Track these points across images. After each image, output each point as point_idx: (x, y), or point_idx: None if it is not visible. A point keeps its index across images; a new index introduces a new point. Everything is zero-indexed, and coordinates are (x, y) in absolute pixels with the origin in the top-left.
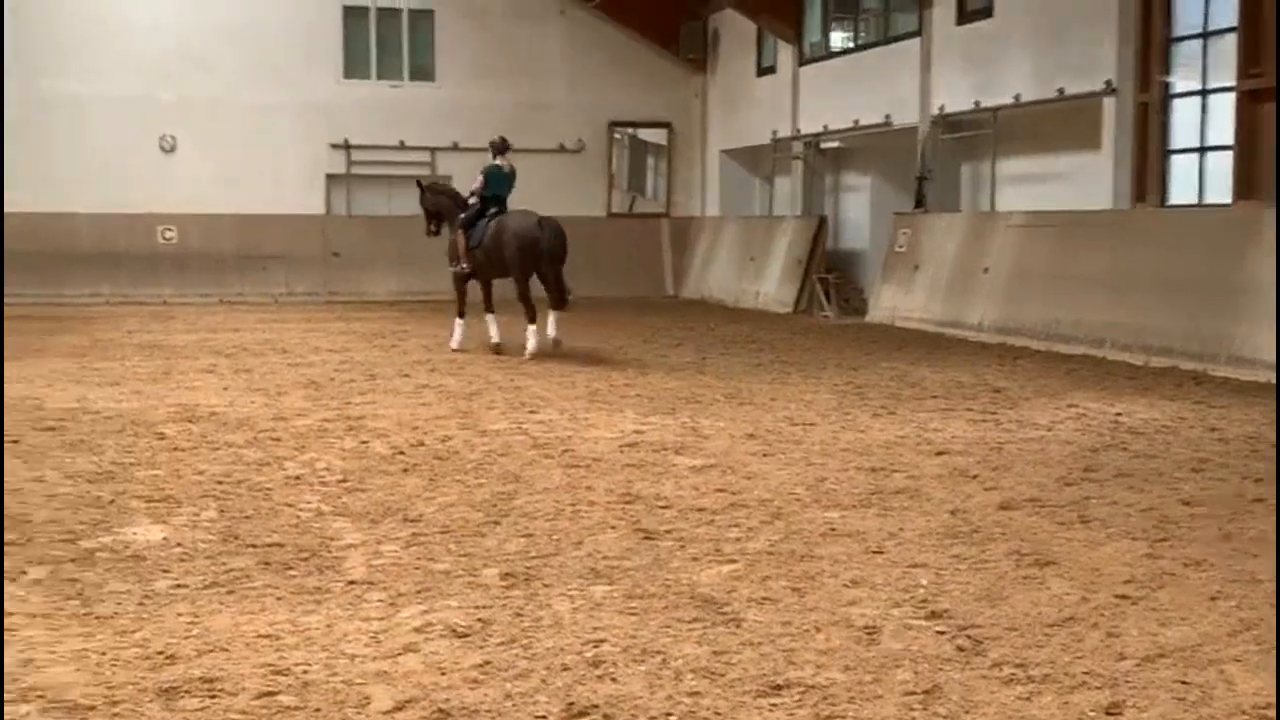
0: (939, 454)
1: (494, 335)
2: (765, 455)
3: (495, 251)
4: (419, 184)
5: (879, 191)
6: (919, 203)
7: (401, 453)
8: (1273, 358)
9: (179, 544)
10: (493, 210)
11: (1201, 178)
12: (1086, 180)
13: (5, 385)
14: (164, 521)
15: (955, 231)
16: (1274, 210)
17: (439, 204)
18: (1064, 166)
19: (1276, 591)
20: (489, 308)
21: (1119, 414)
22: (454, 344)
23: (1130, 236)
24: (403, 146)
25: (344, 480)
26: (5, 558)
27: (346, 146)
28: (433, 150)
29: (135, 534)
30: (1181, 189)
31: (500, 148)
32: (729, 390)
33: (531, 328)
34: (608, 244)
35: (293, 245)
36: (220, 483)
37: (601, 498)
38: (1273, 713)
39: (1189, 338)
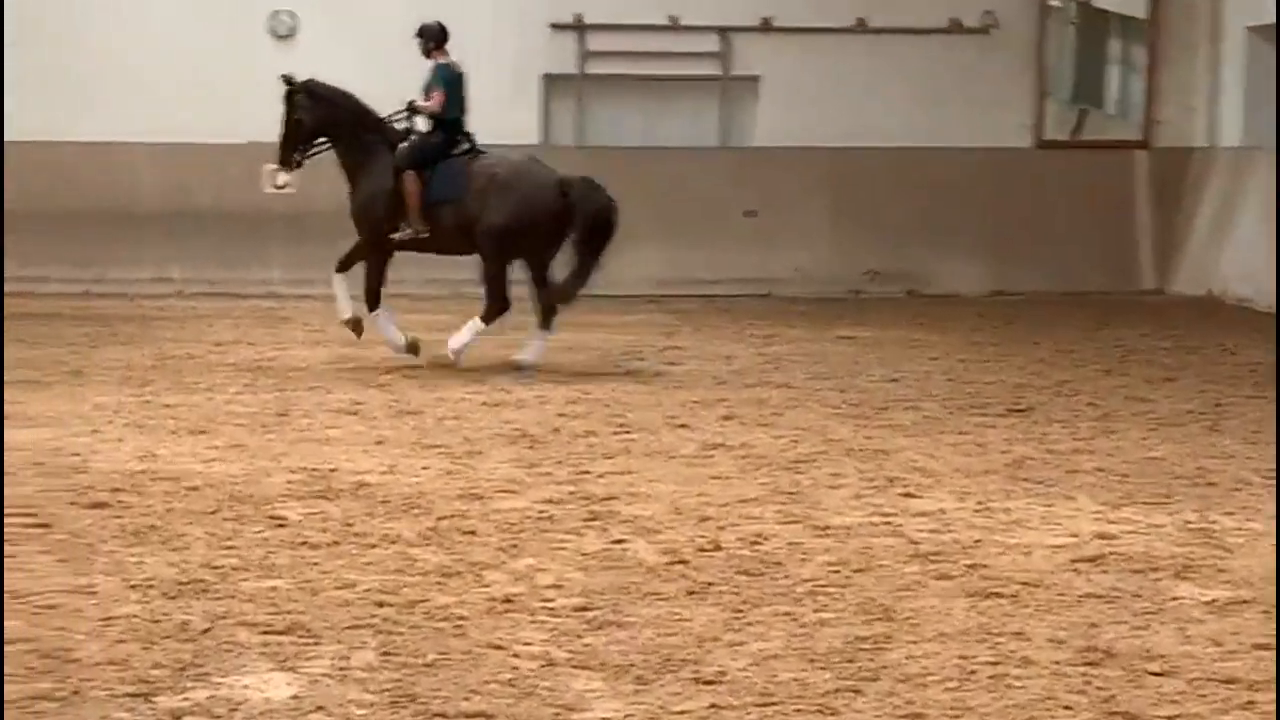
0: None
1: (394, 336)
2: None
3: (489, 216)
4: (287, 83)
5: None
6: None
7: (682, 561)
8: None
9: (319, 707)
10: (465, 146)
11: None
12: None
13: (26, 428)
14: (291, 668)
15: None
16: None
17: (327, 118)
18: None
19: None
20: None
21: None
22: (394, 346)
23: None
24: (676, 26)
25: (585, 607)
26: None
27: (578, 27)
28: (723, 32)
29: (246, 688)
30: None
31: (437, 36)
32: (1268, 464)
33: (543, 333)
34: (1035, 197)
35: None
36: (381, 604)
37: (1042, 653)
38: None
39: None
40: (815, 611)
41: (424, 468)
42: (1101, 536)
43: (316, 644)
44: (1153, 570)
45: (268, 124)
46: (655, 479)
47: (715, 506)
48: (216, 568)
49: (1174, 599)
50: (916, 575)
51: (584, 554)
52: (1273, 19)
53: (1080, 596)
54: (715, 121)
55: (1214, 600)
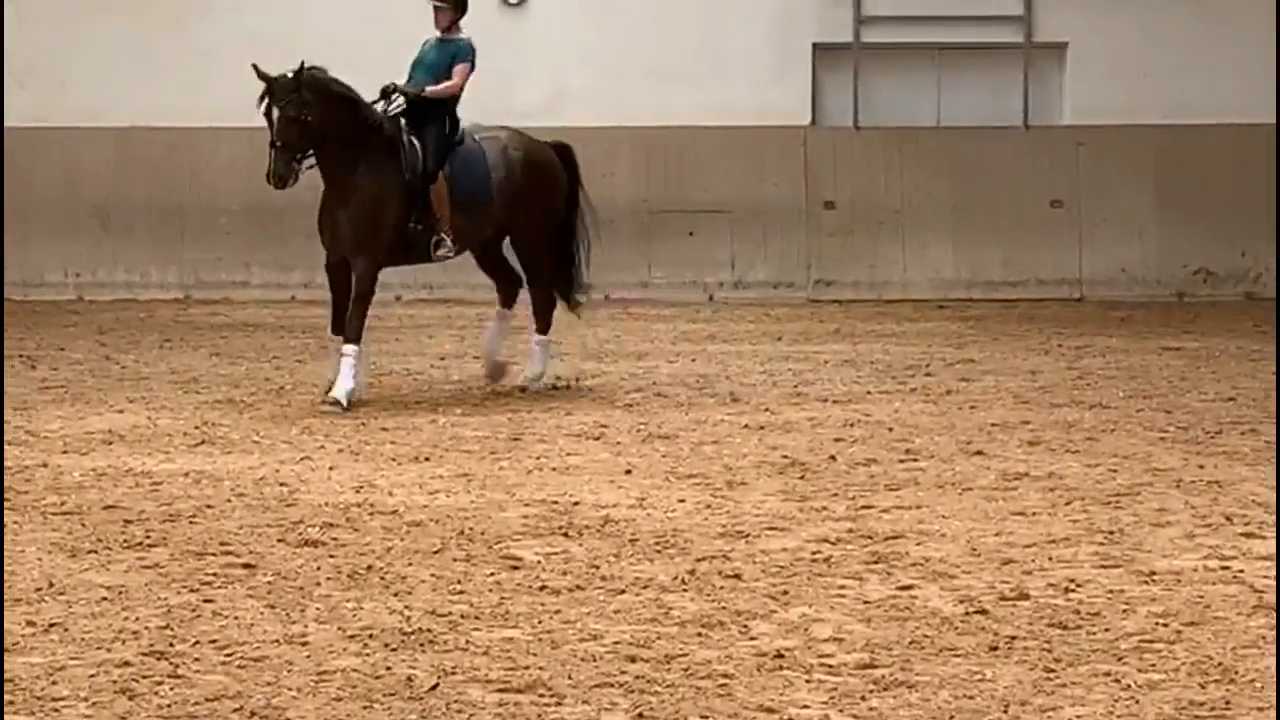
0: None
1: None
2: None
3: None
4: (263, 78)
5: None
6: None
7: (982, 611)
8: None
9: None
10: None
11: None
12: None
13: (227, 455)
14: None
15: None
16: None
17: (330, 120)
18: None
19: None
20: (508, 304)
21: None
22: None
23: None
24: None
25: (870, 665)
26: None
27: None
28: None
29: None
30: None
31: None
32: None
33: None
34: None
35: (734, 184)
36: (633, 659)
37: None
38: None
39: None
40: (1141, 672)
41: (679, 501)
42: None
43: (559, 704)
44: None
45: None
46: (948, 515)
47: (1019, 548)
48: (444, 615)
49: None
50: (1261, 629)
51: (867, 602)
52: None
53: None
54: (1017, 96)
55: None
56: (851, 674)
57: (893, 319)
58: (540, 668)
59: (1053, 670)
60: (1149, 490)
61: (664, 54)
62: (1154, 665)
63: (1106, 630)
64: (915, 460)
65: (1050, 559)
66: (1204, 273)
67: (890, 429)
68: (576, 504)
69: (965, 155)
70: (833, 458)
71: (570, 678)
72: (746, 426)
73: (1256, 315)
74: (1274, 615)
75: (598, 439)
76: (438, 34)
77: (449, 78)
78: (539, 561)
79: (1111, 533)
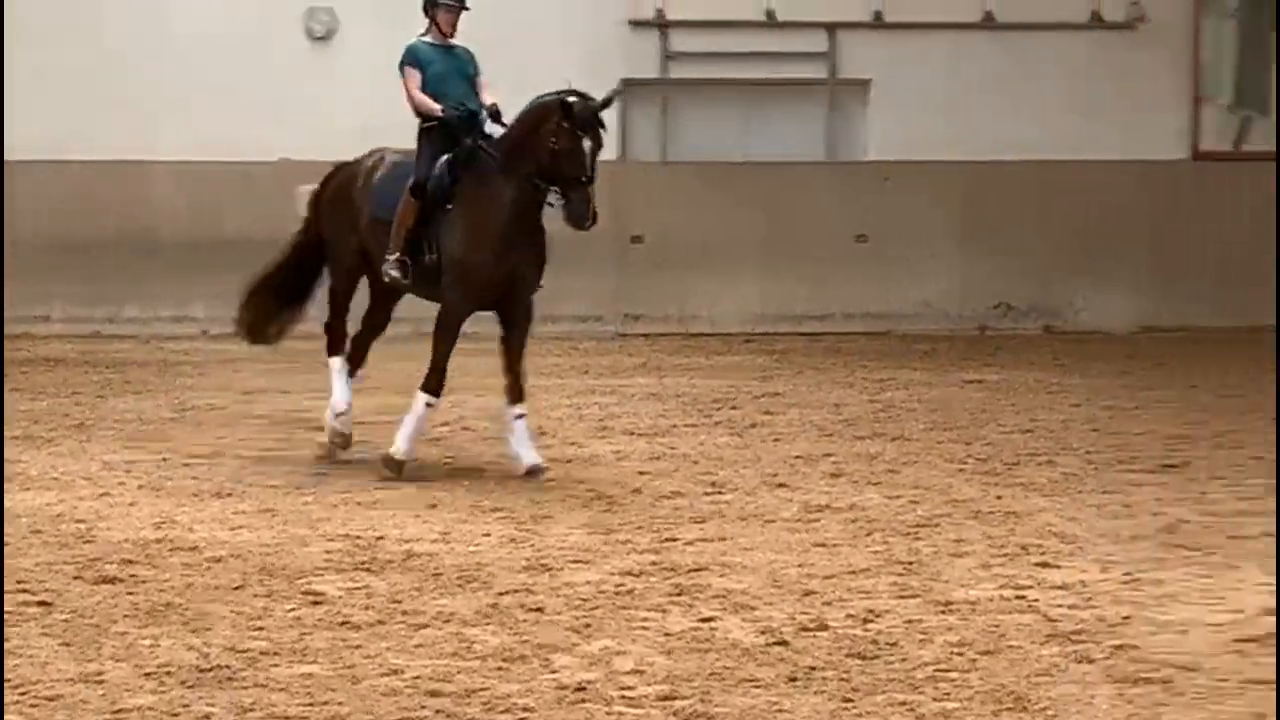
0: None
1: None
2: None
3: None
4: (578, 103)
5: None
6: None
7: (782, 642)
8: None
9: None
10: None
11: None
12: None
13: (26, 491)
14: None
15: None
16: None
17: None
18: None
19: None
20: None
21: None
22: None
23: None
24: (774, 23)
25: (670, 696)
26: None
27: (660, 24)
28: (829, 29)
29: None
30: None
31: None
32: None
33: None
34: (1192, 217)
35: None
36: (433, 694)
37: None
38: None
39: None
40: (936, 700)
41: (484, 535)
42: (1270, 612)
43: None
44: None
45: (304, 138)
46: (751, 547)
47: (820, 579)
48: (243, 652)
49: None
50: (1054, 658)
51: (668, 634)
52: None
53: (1244, 682)
54: (821, 132)
55: None
56: (652, 706)
57: (700, 353)
58: (340, 703)
59: (850, 700)
60: (948, 521)
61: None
62: (949, 694)
63: (903, 660)
64: (719, 493)
65: (850, 590)
66: (1005, 306)
67: (695, 462)
68: (380, 538)
69: (772, 190)
70: (638, 491)
71: (370, 713)
72: (553, 460)
73: (1056, 348)
74: (1067, 644)
75: (415, 478)
76: (428, 39)
77: (475, 90)
78: (340, 596)
79: (910, 563)
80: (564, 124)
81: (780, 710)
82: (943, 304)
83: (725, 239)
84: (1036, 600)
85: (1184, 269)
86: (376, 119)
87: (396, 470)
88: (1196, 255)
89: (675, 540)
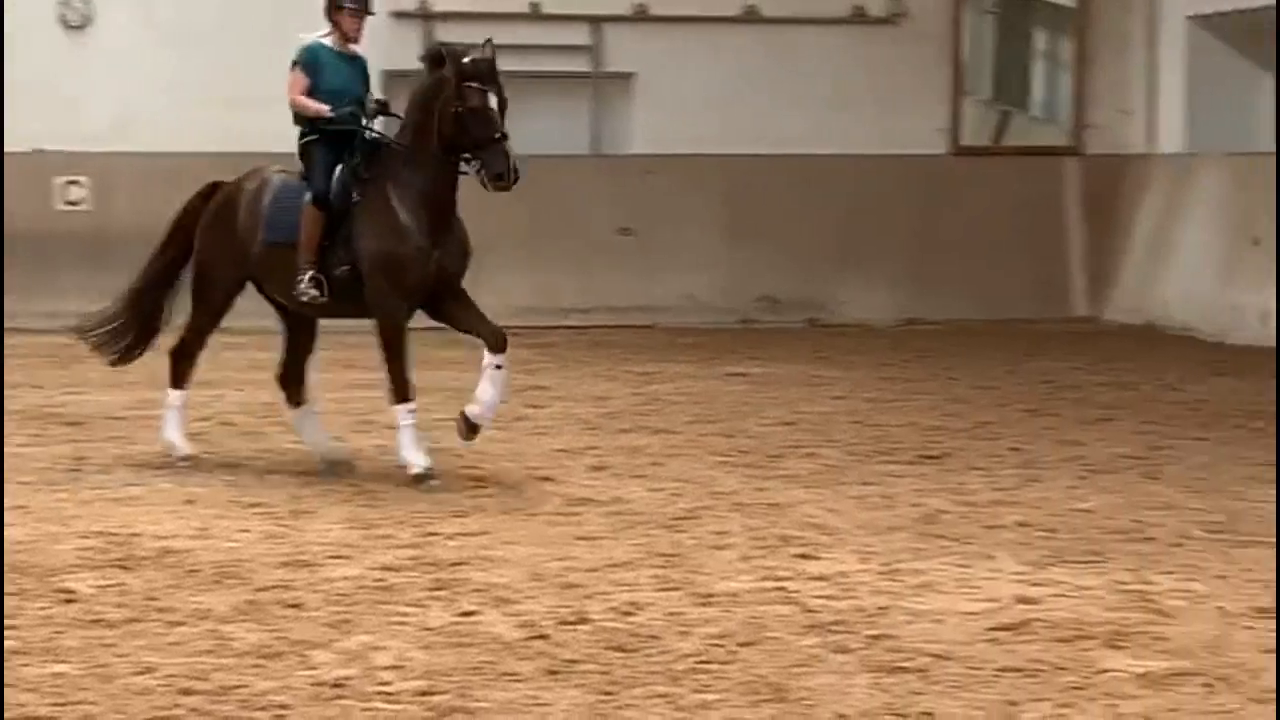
0: None
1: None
2: None
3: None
4: (451, 53)
5: None
6: None
7: (542, 636)
8: None
9: None
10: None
11: None
12: None
13: None
14: None
15: None
16: None
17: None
18: None
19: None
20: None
21: None
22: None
23: None
24: (538, 15)
25: (428, 691)
26: None
27: (423, 16)
28: (593, 22)
29: None
30: None
31: None
32: (1213, 515)
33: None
34: (952, 211)
35: None
36: (187, 691)
37: None
38: None
39: None
40: (695, 692)
41: (241, 531)
42: (1024, 601)
43: None
44: (1081, 639)
45: (59, 128)
46: (512, 540)
47: (581, 572)
48: None
49: (1104, 671)
50: (813, 648)
51: (428, 629)
52: (1216, 8)
53: (998, 670)
54: (585, 125)
55: (1148, 673)
56: (410, 701)
57: (465, 346)
58: (92, 703)
59: (610, 693)
60: (709, 513)
61: (236, 81)
62: (708, 686)
63: (663, 652)
64: (482, 487)
65: (611, 583)
66: (768, 300)
67: (458, 456)
68: (135, 535)
69: (537, 183)
70: (399, 485)
71: (122, 712)
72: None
73: (819, 341)
74: (826, 634)
75: (160, 469)
76: (328, 42)
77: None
78: (93, 594)
79: (672, 556)
80: (465, 84)
81: (539, 704)
82: (707, 297)
83: (489, 232)
84: (796, 591)
85: (944, 263)
86: (132, 109)
87: (428, 479)
88: (957, 249)
89: (436, 535)
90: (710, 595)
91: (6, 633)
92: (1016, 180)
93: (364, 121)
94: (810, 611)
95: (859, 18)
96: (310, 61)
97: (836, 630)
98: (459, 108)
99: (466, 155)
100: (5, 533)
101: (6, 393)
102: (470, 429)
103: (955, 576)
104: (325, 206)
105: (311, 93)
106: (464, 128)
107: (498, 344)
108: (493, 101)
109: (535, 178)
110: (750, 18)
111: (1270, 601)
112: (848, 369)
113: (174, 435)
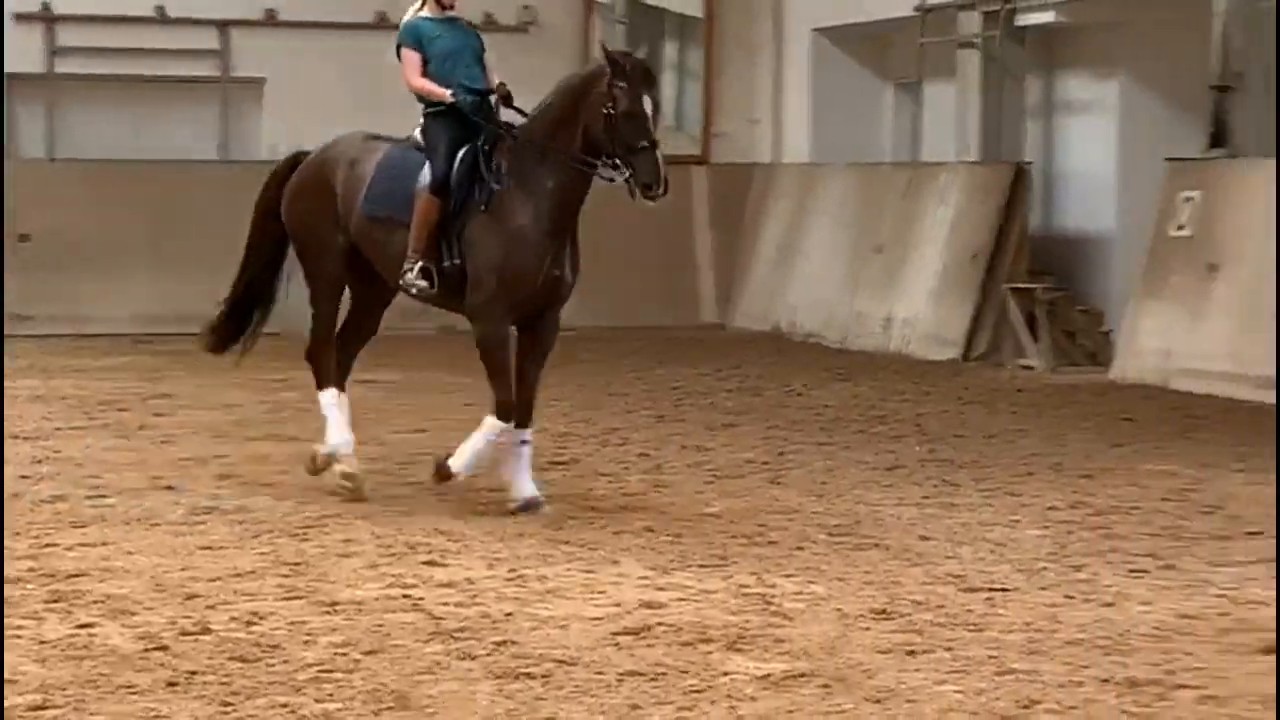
0: (1266, 651)
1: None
2: (910, 654)
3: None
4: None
5: (1135, 113)
6: (1218, 138)
7: (161, 647)
8: None
9: None
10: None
11: None
12: None
13: None
14: None
15: None
16: None
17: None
18: None
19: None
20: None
21: None
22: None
23: None
24: (165, 19)
25: (43, 706)
26: None
27: (45, 18)
28: (221, 26)
29: None
30: None
31: None
32: (834, 519)
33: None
34: (582, 220)
35: None
36: None
37: None
38: None
39: None
40: (318, 701)
41: None
42: (648, 605)
43: None
44: (703, 642)
45: None
46: (134, 551)
47: (204, 582)
48: None
49: (725, 674)
50: (437, 655)
51: (43, 642)
52: (839, 21)
53: (621, 674)
54: (214, 130)
55: (769, 674)
56: (23, 715)
57: (90, 354)
58: None
59: (230, 704)
60: (336, 521)
61: None
62: (331, 695)
63: (286, 661)
64: (104, 497)
65: (234, 592)
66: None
67: (79, 465)
68: None
69: (165, 189)
70: (17, 495)
71: None
72: None
73: (452, 349)
74: (451, 641)
75: None
76: (425, 13)
77: (484, 69)
78: None
79: (297, 564)
80: (619, 84)
81: (158, 716)
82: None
83: (116, 238)
84: (422, 599)
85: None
86: None
87: (446, 478)
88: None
89: (55, 546)
90: (335, 603)
91: None
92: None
93: (489, 102)
94: (436, 619)
95: (489, 25)
96: (413, 39)
97: (461, 637)
98: (611, 109)
99: (608, 160)
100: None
101: None
102: (532, 507)
103: (581, 582)
104: (445, 195)
105: (425, 66)
106: (615, 131)
107: (524, 418)
108: (648, 106)
109: (164, 183)
110: (382, 24)
111: (885, 603)
112: (480, 376)
113: (339, 434)
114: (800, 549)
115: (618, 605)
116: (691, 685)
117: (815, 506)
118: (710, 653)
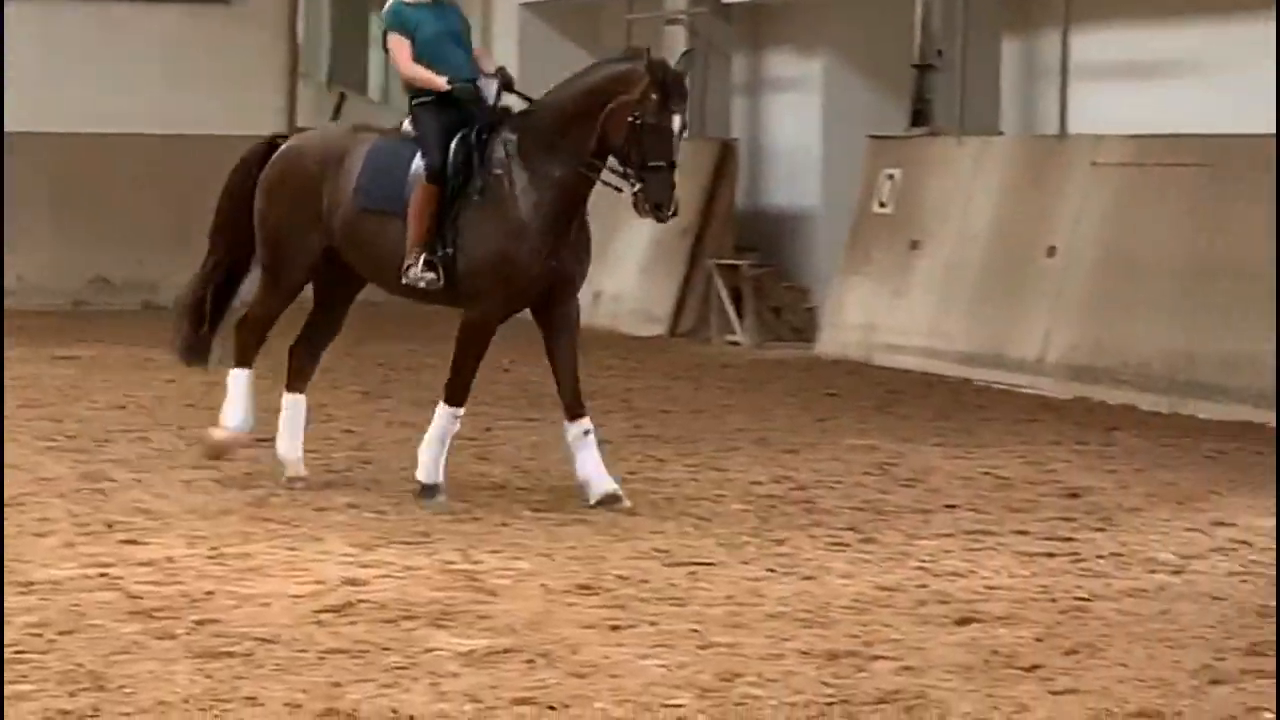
0: (962, 622)
1: None
2: (615, 628)
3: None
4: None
5: (839, 91)
6: (920, 116)
7: None
8: None
9: None
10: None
11: None
12: (1249, 75)
13: None
14: None
15: (992, 174)
16: None
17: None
18: (1206, 47)
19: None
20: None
21: None
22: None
23: None
24: None
25: None
26: None
27: None
28: None
29: None
30: None
31: None
32: (540, 495)
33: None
34: None
35: None
36: None
37: None
38: None
39: None
40: (12, 683)
41: None
42: (351, 582)
43: None
44: (407, 619)
45: None
46: None
47: None
48: None
49: (429, 650)
50: (135, 635)
51: None
52: None
53: (323, 652)
54: None
55: (472, 650)
56: None
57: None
58: None
59: None
60: (33, 500)
61: None
62: (25, 676)
63: None
64: None
65: None
66: (101, 281)
67: None
68: None
69: None
70: None
71: None
72: None
73: (152, 324)
74: (150, 620)
75: None
76: None
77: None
78: None
79: None
80: (653, 95)
81: None
82: (37, 279)
83: None
84: (120, 578)
85: None
86: None
87: (431, 495)
88: None
89: None
90: (30, 583)
91: None
92: None
93: (484, 90)
94: (134, 598)
95: None
96: (397, 23)
97: (160, 616)
98: (638, 119)
99: (619, 168)
100: None
101: None
102: (611, 500)
103: (283, 560)
104: (441, 182)
105: (413, 51)
106: (637, 142)
107: (574, 411)
108: (676, 124)
109: None
110: None
111: (590, 578)
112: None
113: (241, 412)
114: (506, 525)
115: (321, 583)
116: (394, 662)
117: (521, 482)
118: (414, 629)
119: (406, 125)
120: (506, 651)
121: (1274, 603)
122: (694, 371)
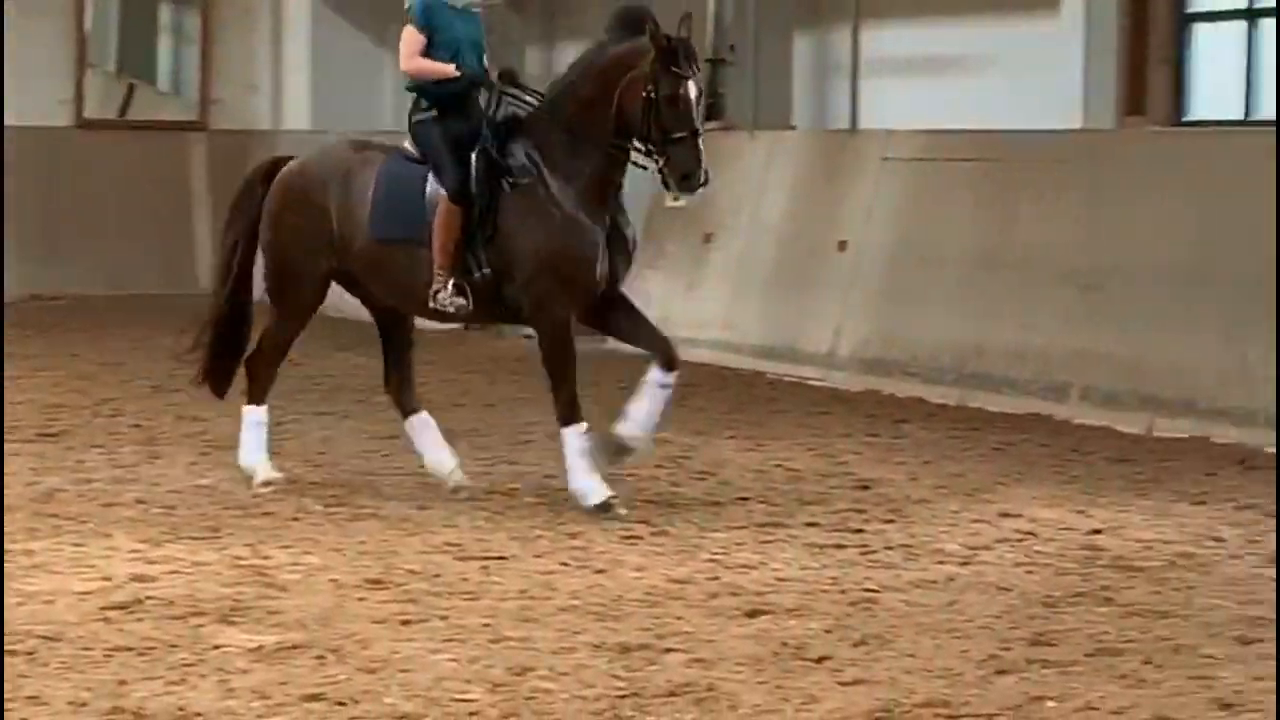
0: (752, 614)
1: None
2: (406, 623)
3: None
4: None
5: None
6: (713, 110)
7: None
8: None
9: None
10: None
11: (1251, 70)
12: (1037, 73)
13: None
14: None
15: (785, 168)
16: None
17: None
18: (995, 44)
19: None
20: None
21: (1096, 531)
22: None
23: (1125, 177)
24: None
25: None
26: None
27: None
28: None
29: None
30: (1213, 95)
31: None
32: (331, 489)
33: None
34: (78, 184)
35: None
36: None
37: (61, 719)
38: None
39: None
40: None
41: None
42: (138, 579)
43: None
44: (195, 615)
45: None
46: None
47: None
48: None
49: (217, 647)
50: None
51: None
52: None
53: (109, 650)
54: None
55: (261, 646)
56: None
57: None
58: None
59: None
60: None
61: None
62: None
63: None
64: None
65: None
66: None
67: None
68: None
69: None
70: None
71: None
72: None
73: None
74: None
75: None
76: None
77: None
78: None
79: None
80: (663, 65)
81: None
82: None
83: None
84: None
85: (69, 237)
86: None
87: (608, 509)
88: (81, 223)
89: None
90: None
91: None
92: (143, 154)
93: (491, 94)
94: None
95: None
96: (423, 19)
97: None
98: (651, 92)
99: (641, 147)
100: None
101: None
102: (619, 450)
103: (69, 556)
104: (466, 202)
105: (427, 50)
106: (655, 116)
107: (669, 361)
108: (693, 91)
109: None
110: None
111: (381, 572)
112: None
113: (256, 453)
114: (296, 519)
115: (107, 579)
116: (182, 659)
117: (312, 476)
118: (202, 625)
119: (407, 144)
120: (296, 647)
121: (1057, 593)
122: (488, 365)
